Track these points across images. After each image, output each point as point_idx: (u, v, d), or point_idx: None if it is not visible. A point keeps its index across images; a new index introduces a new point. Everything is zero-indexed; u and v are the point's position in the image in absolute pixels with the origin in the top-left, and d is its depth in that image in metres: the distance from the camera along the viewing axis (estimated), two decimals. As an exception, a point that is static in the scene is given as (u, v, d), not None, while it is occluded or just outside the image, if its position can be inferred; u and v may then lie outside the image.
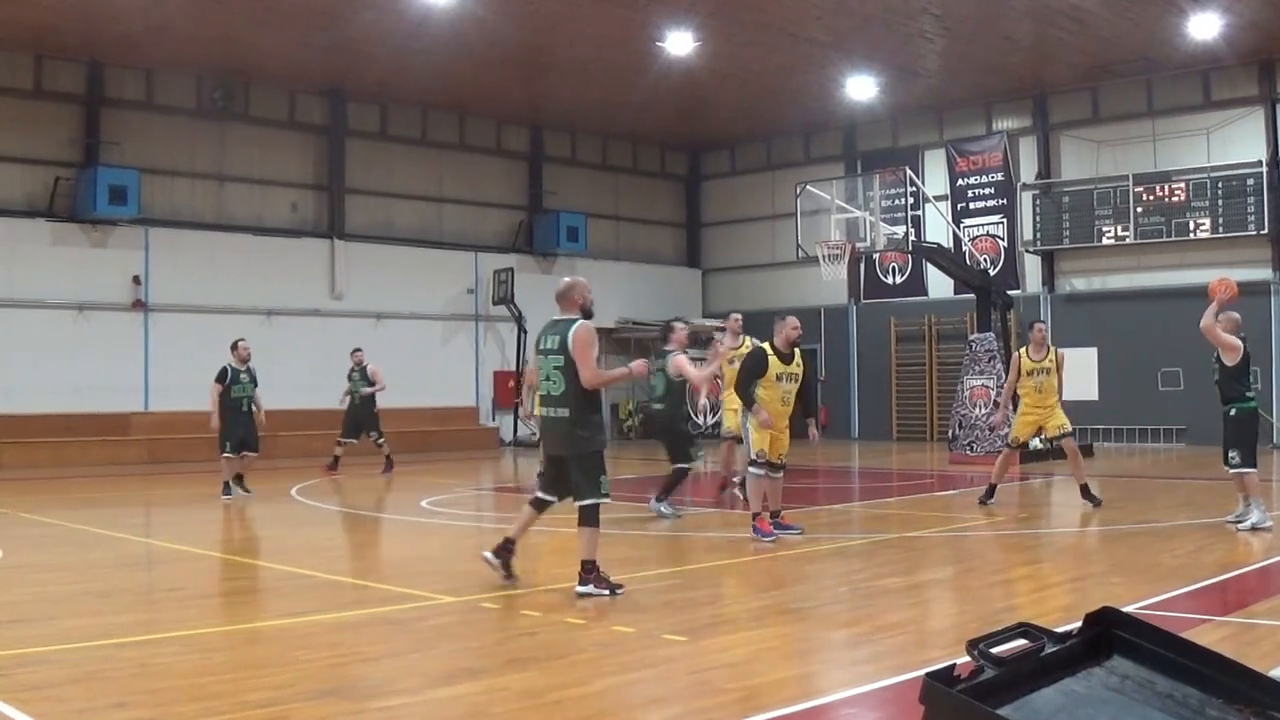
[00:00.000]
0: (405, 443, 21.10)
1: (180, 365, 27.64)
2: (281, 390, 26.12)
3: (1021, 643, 4.52)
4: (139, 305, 29.09)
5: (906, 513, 17.19)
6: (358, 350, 25.14)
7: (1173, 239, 30.52)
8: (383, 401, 24.36)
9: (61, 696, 7.00)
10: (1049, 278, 33.49)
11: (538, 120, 37.13)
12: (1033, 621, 4.70)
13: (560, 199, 37.47)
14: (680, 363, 16.30)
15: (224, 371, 19.25)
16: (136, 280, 29.15)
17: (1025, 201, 33.50)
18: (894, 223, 28.04)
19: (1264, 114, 29.70)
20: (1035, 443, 26.95)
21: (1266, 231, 29.19)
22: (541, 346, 10.59)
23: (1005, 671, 4.26)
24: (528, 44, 28.51)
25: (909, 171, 29.09)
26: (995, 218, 34.14)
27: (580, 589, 10.30)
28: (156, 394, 28.98)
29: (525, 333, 34.37)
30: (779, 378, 13.83)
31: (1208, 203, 29.94)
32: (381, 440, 24.56)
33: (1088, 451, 28.32)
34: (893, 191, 30.20)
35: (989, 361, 26.07)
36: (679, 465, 16.55)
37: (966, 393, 26.40)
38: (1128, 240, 31.23)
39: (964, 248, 32.17)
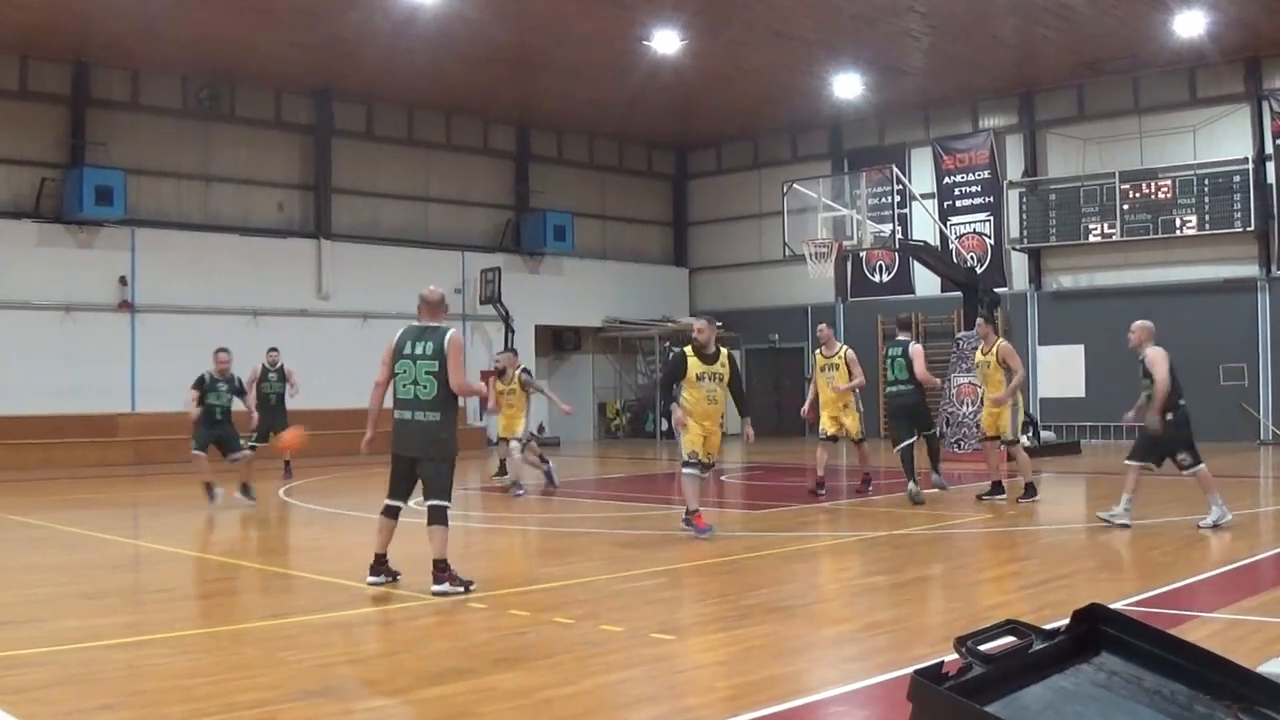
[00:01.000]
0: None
1: (167, 366, 27.54)
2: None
3: (1009, 640, 4.53)
4: (125, 306, 29.05)
5: (894, 510, 17.19)
6: (273, 350, 24.98)
7: (1159, 236, 30.58)
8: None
9: (49, 698, 6.98)
10: (1035, 275, 33.54)
11: (525, 119, 37.13)
12: (1021, 619, 4.71)
13: (547, 198, 37.46)
14: (918, 351, 17.77)
15: (201, 379, 19.03)
16: (123, 281, 29.12)
17: (1012, 199, 33.55)
18: (881, 221, 28.04)
19: (1250, 111, 29.77)
20: (1023, 440, 27.08)
21: (1252, 228, 29.26)
22: (411, 351, 10.80)
23: (993, 669, 4.26)
24: (515, 43, 28.49)
25: (895, 170, 29.11)
26: (982, 215, 34.18)
27: (436, 588, 10.41)
28: (143, 395, 28.95)
29: (513, 332, 34.36)
30: (700, 377, 14.06)
31: (1194, 200, 30.00)
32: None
33: (1075, 448, 28.42)
34: (879, 190, 30.22)
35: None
36: (930, 432, 18.48)
37: (953, 390, 26.42)
38: (1114, 237, 31.27)
39: (951, 245, 32.19)
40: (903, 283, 35.72)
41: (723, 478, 21.25)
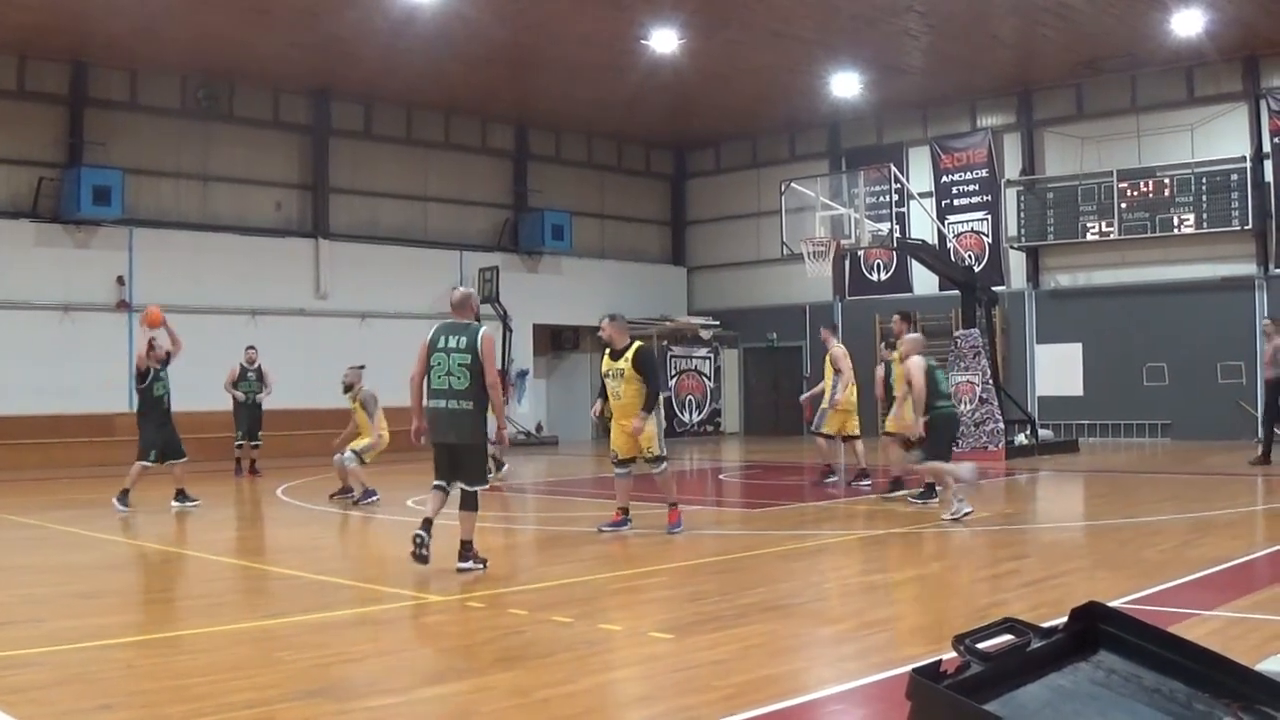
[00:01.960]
0: (394, 442, 21.04)
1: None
2: (266, 390, 26.12)
3: (1007, 638, 4.52)
4: (123, 306, 29.01)
5: (891, 509, 17.19)
6: (251, 348, 25.05)
7: (1157, 234, 30.58)
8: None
9: (47, 699, 6.98)
10: (1033, 274, 33.54)
11: (523, 119, 37.11)
12: (1018, 617, 4.71)
13: (545, 197, 37.45)
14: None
15: (137, 373, 18.55)
16: (121, 281, 29.09)
17: (1010, 198, 33.55)
18: (879, 220, 28.02)
19: (1248, 110, 29.78)
20: (1021, 438, 27.12)
21: (1250, 227, 29.26)
22: (445, 345, 11.59)
23: (991, 667, 4.26)
24: (513, 43, 28.48)
25: (893, 168, 29.13)
26: (980, 214, 34.18)
27: (461, 565, 11.39)
28: (141, 394, 28.94)
29: (511, 331, 34.31)
30: (606, 374, 14.45)
31: (1192, 198, 30.01)
32: (258, 444, 24.89)
33: (1073, 447, 28.43)
34: (877, 188, 30.23)
35: (974, 358, 26.09)
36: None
37: (952, 389, 26.41)
38: (1112, 236, 31.27)
39: (948, 244, 32.19)
40: (901, 281, 35.71)
41: (720, 476, 21.22)
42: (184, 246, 30.09)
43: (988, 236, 33.96)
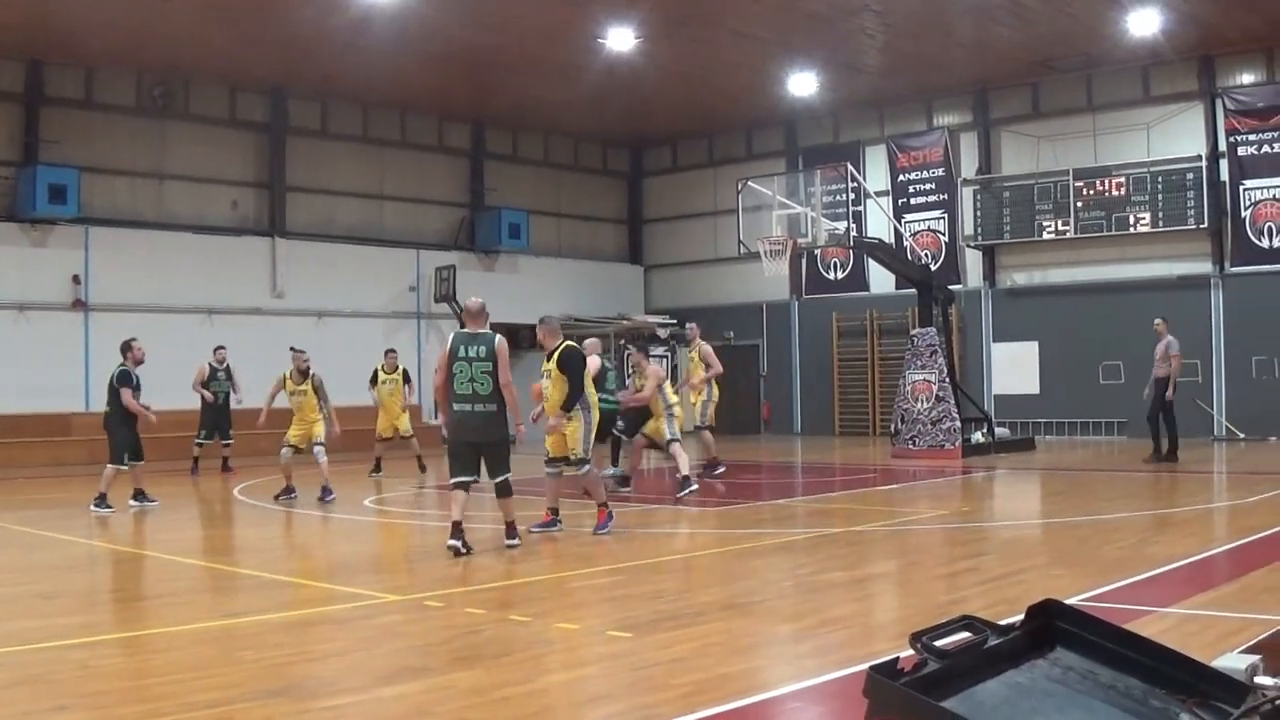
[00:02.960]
0: (350, 441, 21.05)
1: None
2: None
3: (965, 635, 4.53)
4: (79, 305, 28.83)
5: (850, 507, 17.24)
6: (221, 348, 25.10)
7: (1113, 233, 30.73)
8: (333, 401, 24.18)
9: (3, 699, 6.94)
10: (990, 272, 33.67)
11: (480, 117, 37.02)
12: (976, 614, 4.72)
13: (502, 196, 37.36)
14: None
15: (127, 374, 18.51)
16: (76, 280, 28.89)
17: (966, 196, 33.66)
18: (835, 218, 28.05)
19: (1203, 109, 29.95)
20: (978, 436, 27.23)
21: (1206, 225, 29.41)
22: (467, 355, 12.95)
23: (949, 664, 4.27)
24: (469, 41, 28.40)
25: (850, 167, 29.14)
26: (936, 213, 34.28)
27: (509, 542, 12.93)
28: (97, 394, 28.52)
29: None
30: (543, 374, 14.92)
31: (1147, 197, 30.15)
32: (230, 442, 25.11)
33: (1029, 445, 28.57)
34: (834, 187, 30.24)
35: (931, 356, 26.18)
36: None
37: (909, 387, 26.48)
38: (1068, 234, 31.41)
39: (905, 243, 32.29)
40: (857, 280, 35.78)
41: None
42: (140, 245, 29.89)
43: (944, 235, 34.06)
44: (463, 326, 13.70)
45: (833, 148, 35.84)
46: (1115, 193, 30.59)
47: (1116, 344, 30.21)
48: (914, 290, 28.16)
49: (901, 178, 34.82)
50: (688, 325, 23.98)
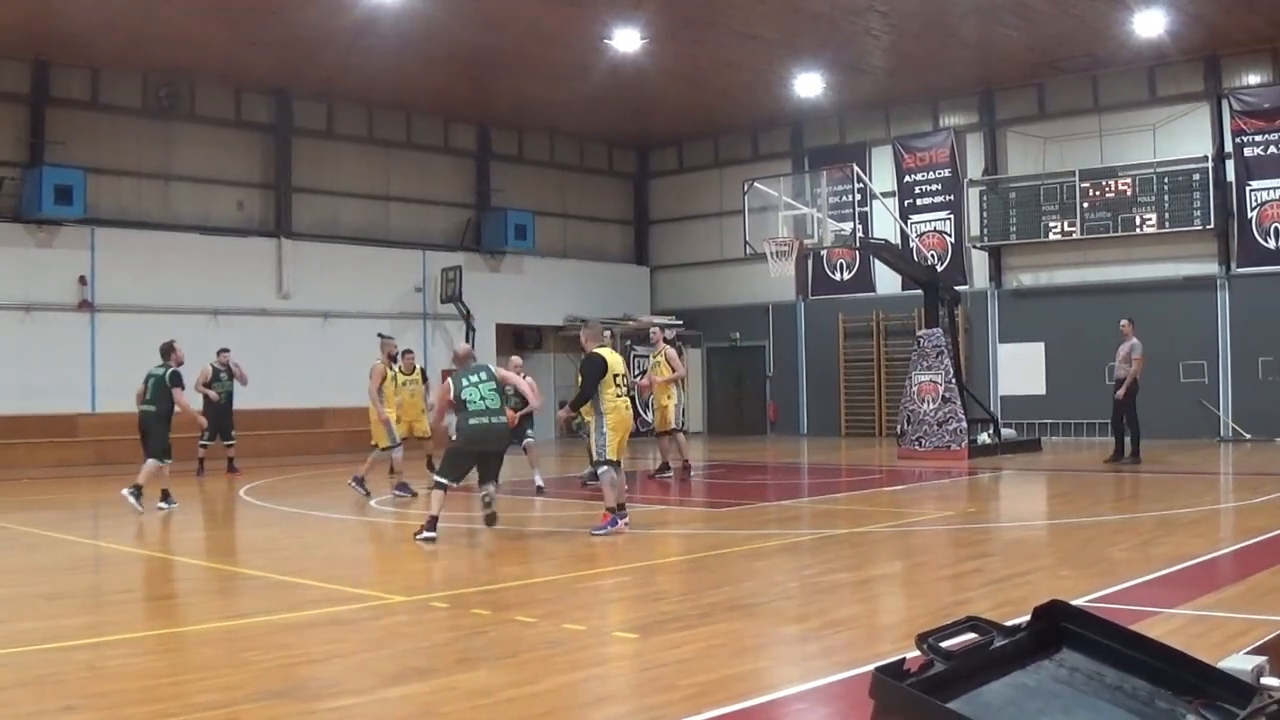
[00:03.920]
0: (358, 442, 21.05)
1: (127, 366, 27.21)
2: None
3: (971, 636, 4.53)
4: (85, 306, 28.85)
5: (856, 508, 17.23)
6: (225, 350, 25.17)
7: (1119, 234, 30.69)
8: (338, 401, 24.27)
9: (9, 700, 6.94)
10: (996, 273, 33.64)
11: (485, 118, 37.02)
12: (982, 615, 4.72)
13: (508, 197, 37.35)
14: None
15: (179, 375, 18.49)
16: (82, 280, 28.91)
17: (972, 197, 33.64)
18: (841, 219, 28.06)
19: (1209, 109, 29.91)
20: (984, 437, 27.20)
21: (1212, 226, 29.37)
22: (473, 381, 14.32)
23: (955, 665, 4.26)
24: (475, 42, 28.41)
25: (856, 168, 29.15)
26: (942, 214, 34.25)
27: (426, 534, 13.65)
28: (103, 395, 28.71)
29: (474, 330, 34.29)
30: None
31: (1154, 198, 30.11)
32: (233, 443, 25.24)
33: (1035, 445, 28.54)
34: (840, 188, 30.27)
35: (937, 357, 26.15)
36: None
37: (915, 388, 26.45)
38: (1074, 235, 31.37)
39: (911, 244, 32.22)
40: (863, 281, 35.76)
41: (683, 475, 21.25)
42: (146, 246, 29.91)
43: (950, 236, 34.04)
44: (455, 369, 14.94)
45: (838, 149, 35.83)
46: (1121, 194, 30.55)
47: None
48: (920, 291, 28.15)
49: (907, 178, 34.78)
50: (651, 329, 24.24)
